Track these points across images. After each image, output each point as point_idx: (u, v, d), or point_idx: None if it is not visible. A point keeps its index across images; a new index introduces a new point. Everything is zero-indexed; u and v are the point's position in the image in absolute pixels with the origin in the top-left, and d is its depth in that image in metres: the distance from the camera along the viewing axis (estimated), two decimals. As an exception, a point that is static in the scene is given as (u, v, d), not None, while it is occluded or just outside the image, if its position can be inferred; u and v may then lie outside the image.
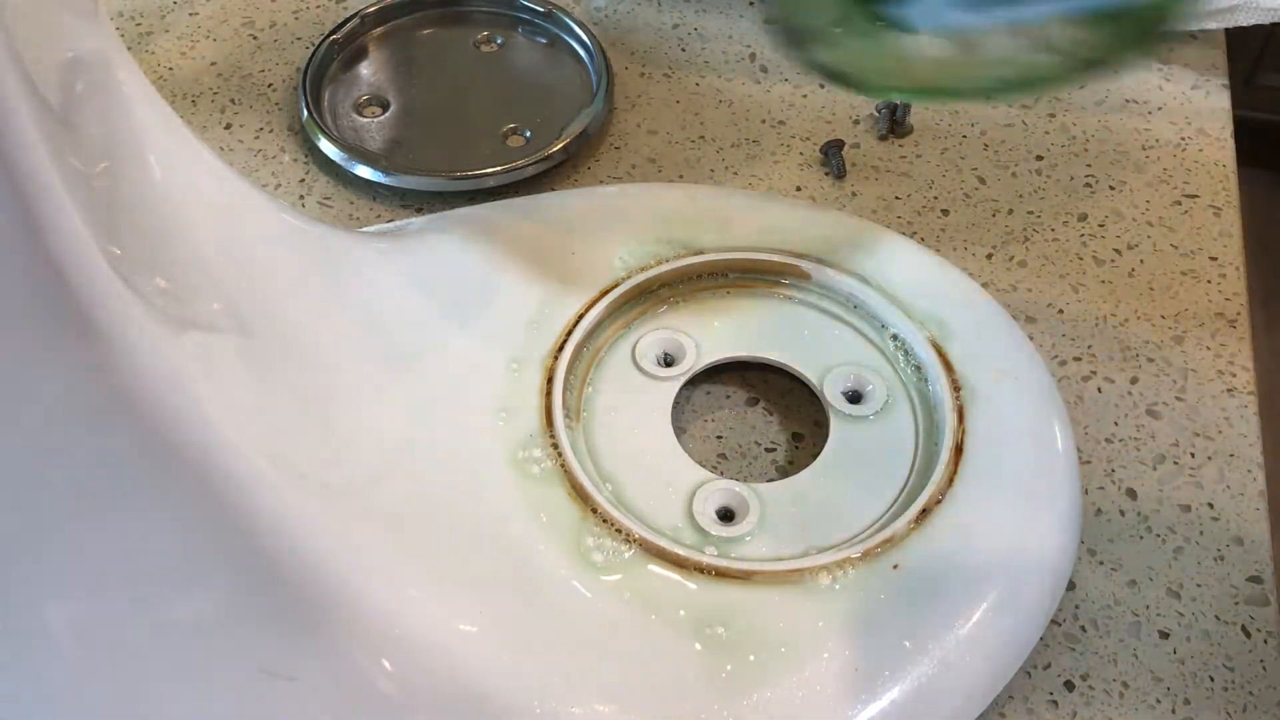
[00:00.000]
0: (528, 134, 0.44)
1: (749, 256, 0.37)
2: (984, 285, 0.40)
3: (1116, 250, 0.41)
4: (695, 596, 0.30)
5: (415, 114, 0.45)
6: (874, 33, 0.29)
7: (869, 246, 0.38)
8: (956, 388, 0.34)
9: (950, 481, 0.32)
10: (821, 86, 0.48)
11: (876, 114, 0.46)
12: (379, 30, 0.48)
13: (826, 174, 0.44)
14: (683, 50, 0.49)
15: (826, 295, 0.37)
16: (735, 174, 0.44)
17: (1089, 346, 0.38)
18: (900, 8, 0.29)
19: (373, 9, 0.48)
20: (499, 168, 0.42)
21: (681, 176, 0.44)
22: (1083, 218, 0.42)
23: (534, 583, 0.30)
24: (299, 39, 0.49)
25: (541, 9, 0.48)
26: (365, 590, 0.27)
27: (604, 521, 0.31)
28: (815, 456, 0.34)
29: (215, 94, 0.47)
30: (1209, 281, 0.40)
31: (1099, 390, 0.37)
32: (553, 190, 0.43)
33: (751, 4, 0.52)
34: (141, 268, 0.24)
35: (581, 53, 0.47)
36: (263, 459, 0.25)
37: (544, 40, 0.48)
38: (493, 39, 0.48)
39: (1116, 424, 0.36)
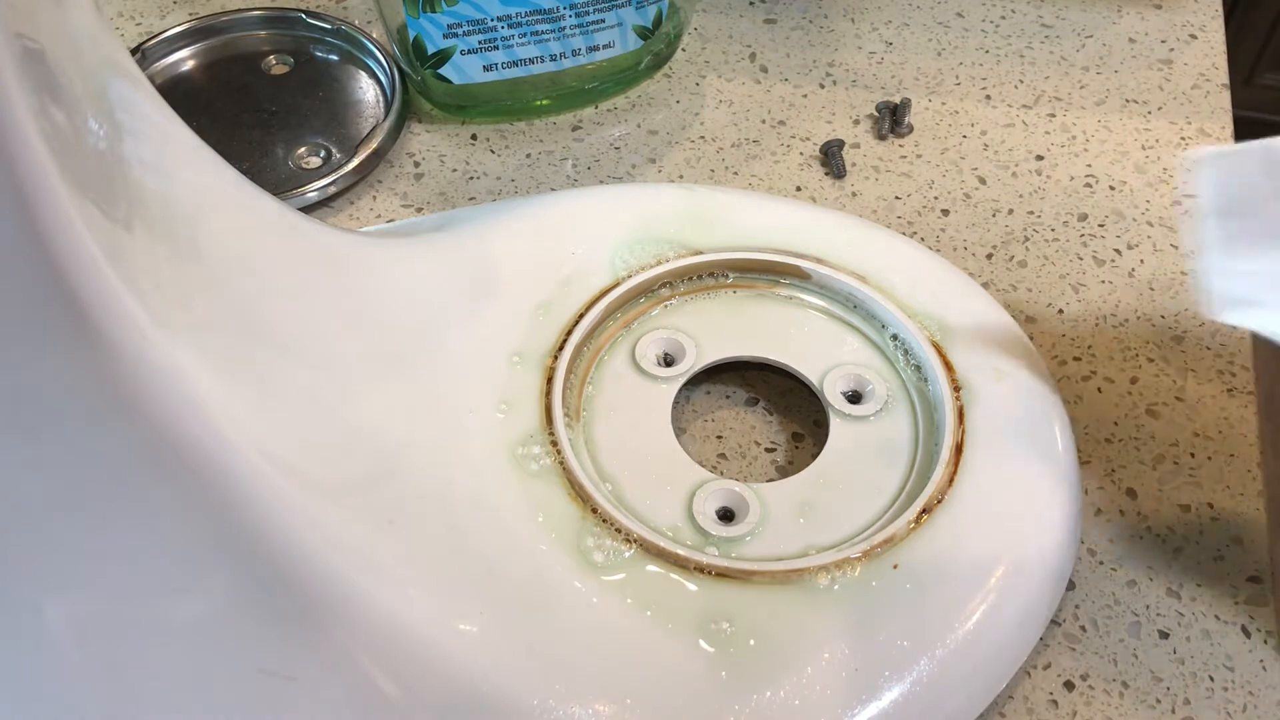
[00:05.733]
0: (323, 153, 0.44)
1: (749, 256, 0.37)
2: (984, 285, 0.40)
3: (1116, 250, 0.41)
4: (696, 596, 0.30)
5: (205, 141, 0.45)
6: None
7: (869, 246, 0.38)
8: (956, 388, 0.34)
9: (950, 481, 0.32)
10: (821, 86, 0.48)
11: (876, 114, 0.46)
12: (165, 61, 0.48)
13: (826, 174, 0.44)
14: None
15: (826, 295, 0.37)
16: (735, 174, 0.44)
17: (1089, 346, 0.38)
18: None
19: (153, 41, 0.48)
20: (293, 190, 0.42)
21: (681, 176, 0.44)
22: (1083, 218, 0.42)
23: (534, 582, 0.30)
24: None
25: (329, 26, 0.48)
26: (365, 590, 0.27)
27: (604, 521, 0.31)
28: (815, 456, 0.34)
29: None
30: (1209, 281, 0.40)
31: (1099, 390, 0.37)
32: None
33: (752, 4, 0.52)
34: (142, 267, 0.24)
35: (374, 67, 0.47)
36: (262, 459, 0.25)
37: (336, 58, 0.48)
38: (282, 60, 0.48)
39: (1116, 424, 0.36)
